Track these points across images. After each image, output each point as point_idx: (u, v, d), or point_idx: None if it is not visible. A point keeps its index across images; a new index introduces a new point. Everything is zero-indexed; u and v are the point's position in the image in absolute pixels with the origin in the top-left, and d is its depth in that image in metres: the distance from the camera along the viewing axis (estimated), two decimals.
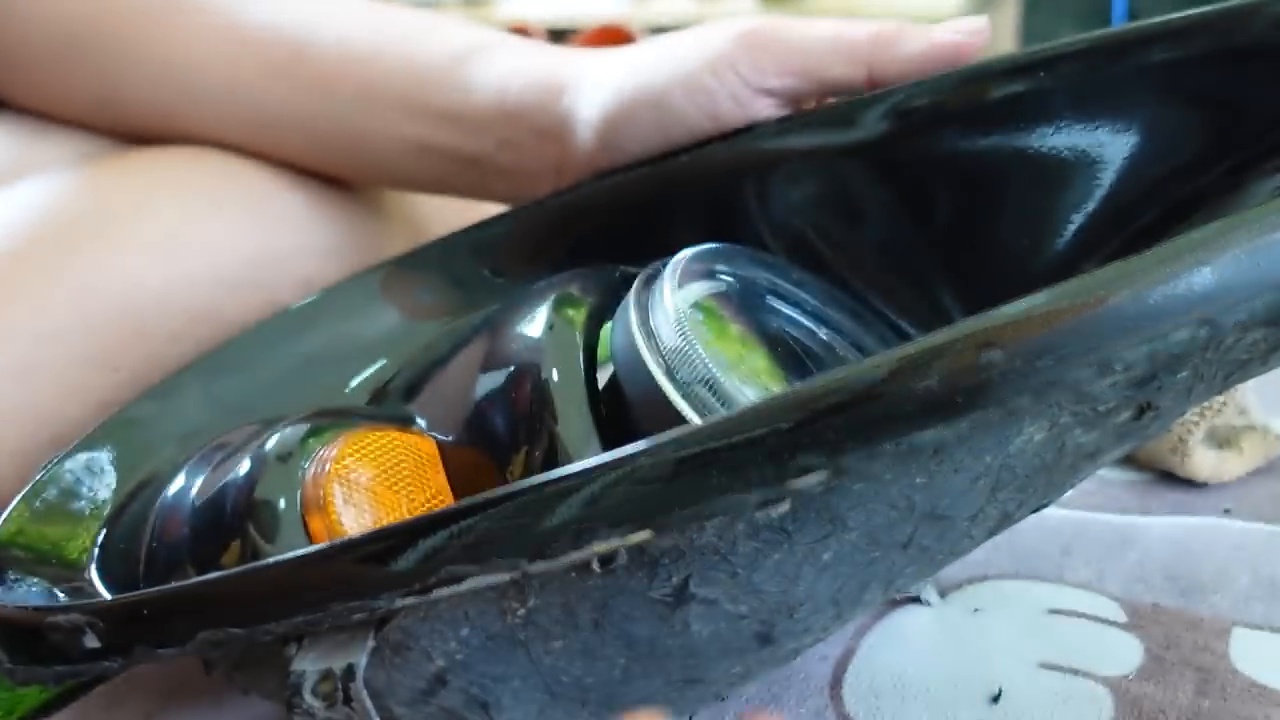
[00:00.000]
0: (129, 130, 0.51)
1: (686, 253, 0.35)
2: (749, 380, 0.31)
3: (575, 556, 0.23)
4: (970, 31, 0.37)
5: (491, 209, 0.47)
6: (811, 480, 0.22)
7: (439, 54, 0.46)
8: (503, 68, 0.45)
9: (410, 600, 0.24)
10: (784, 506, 0.23)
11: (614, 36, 1.31)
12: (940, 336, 0.22)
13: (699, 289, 0.33)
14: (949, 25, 0.38)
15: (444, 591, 0.24)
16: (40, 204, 0.44)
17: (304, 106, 0.48)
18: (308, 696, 0.24)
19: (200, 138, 0.49)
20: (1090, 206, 0.37)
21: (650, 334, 0.32)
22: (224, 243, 0.45)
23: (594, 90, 0.42)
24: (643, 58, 0.42)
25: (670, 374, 0.31)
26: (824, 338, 0.35)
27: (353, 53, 0.47)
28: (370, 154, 0.48)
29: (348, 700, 0.24)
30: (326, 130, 0.48)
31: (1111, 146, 0.36)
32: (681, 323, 0.31)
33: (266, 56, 0.48)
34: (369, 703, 0.24)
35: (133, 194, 0.45)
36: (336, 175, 0.50)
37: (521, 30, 1.37)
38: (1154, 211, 0.36)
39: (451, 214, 0.53)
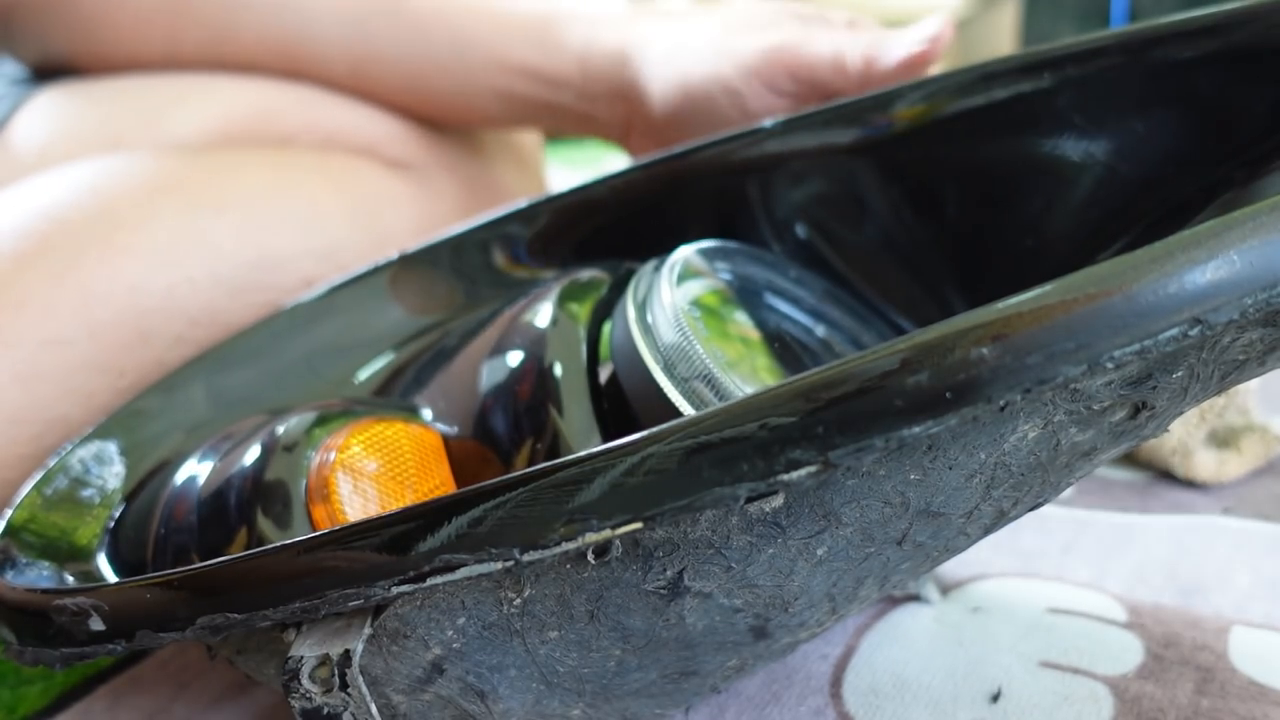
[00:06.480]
0: (239, 66, 0.55)
1: (684, 250, 0.35)
2: (747, 377, 0.31)
3: (567, 547, 0.23)
4: (933, 39, 0.44)
5: (491, 209, 0.47)
6: (801, 474, 0.22)
7: (527, 16, 0.54)
8: (583, 35, 0.53)
9: (406, 588, 0.24)
10: (777, 501, 0.23)
11: None
12: (930, 332, 0.22)
13: (697, 286, 0.33)
14: (914, 35, 0.44)
15: (439, 580, 0.24)
16: (44, 207, 0.45)
17: (402, 47, 0.54)
18: (305, 681, 0.25)
19: (309, 73, 0.55)
20: (1095, 206, 0.37)
21: (648, 330, 0.32)
22: (226, 246, 0.45)
23: (658, 68, 0.50)
24: (694, 48, 0.49)
25: (669, 370, 0.31)
26: (821, 335, 0.35)
27: (449, 4, 0.55)
28: (461, 97, 0.55)
29: (344, 686, 0.25)
30: (421, 72, 0.55)
31: (1117, 147, 0.36)
32: (680, 319, 0.31)
33: None
34: (365, 689, 0.25)
35: (135, 197, 0.45)
36: (429, 115, 0.57)
37: None
38: (1159, 211, 0.36)
39: (461, 213, 0.55)
